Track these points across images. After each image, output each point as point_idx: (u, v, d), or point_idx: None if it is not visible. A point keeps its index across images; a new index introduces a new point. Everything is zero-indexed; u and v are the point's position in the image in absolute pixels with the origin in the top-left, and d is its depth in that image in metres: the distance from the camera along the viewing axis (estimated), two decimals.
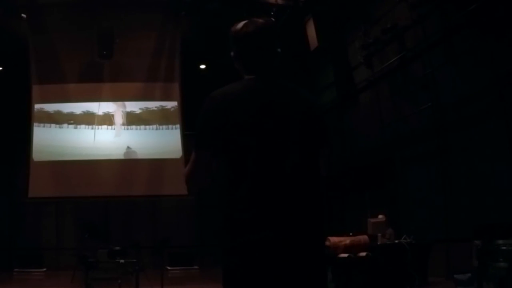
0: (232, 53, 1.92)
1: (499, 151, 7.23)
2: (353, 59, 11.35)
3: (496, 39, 7.16)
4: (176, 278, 11.47)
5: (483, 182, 7.47)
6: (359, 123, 11.51)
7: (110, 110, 12.60)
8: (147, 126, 12.65)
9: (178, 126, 12.56)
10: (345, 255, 6.67)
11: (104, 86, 12.57)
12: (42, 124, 12.21)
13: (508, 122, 7.05)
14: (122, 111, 12.67)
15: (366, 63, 10.74)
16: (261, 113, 1.76)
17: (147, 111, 12.75)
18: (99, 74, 12.29)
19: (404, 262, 6.54)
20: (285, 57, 1.98)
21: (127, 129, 12.58)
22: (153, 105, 12.81)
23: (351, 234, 7.25)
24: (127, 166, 12.22)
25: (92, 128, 12.42)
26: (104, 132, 12.51)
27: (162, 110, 12.80)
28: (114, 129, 12.53)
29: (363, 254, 6.66)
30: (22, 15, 11.15)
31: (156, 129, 12.70)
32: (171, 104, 12.78)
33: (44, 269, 12.34)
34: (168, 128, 12.70)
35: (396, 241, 7.00)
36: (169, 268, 12.02)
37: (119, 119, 12.60)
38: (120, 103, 12.72)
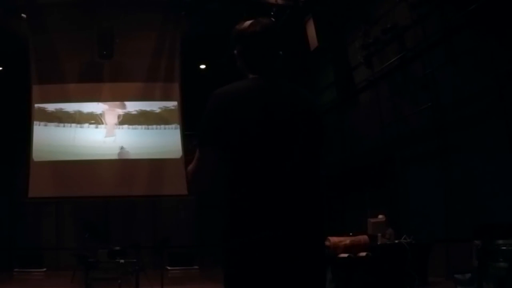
0: (235, 51, 1.92)
1: (499, 151, 7.23)
2: (353, 59, 11.35)
3: (496, 39, 7.17)
4: (176, 278, 11.47)
5: (483, 182, 7.46)
6: (359, 123, 11.51)
7: (109, 110, 12.59)
8: (147, 126, 12.65)
9: (178, 126, 12.56)
10: (345, 255, 6.66)
11: (104, 86, 12.57)
12: (42, 123, 12.20)
13: (508, 122, 7.05)
14: (122, 111, 12.66)
15: (366, 63, 10.74)
16: (265, 112, 1.76)
17: (147, 111, 12.75)
18: (99, 74, 12.29)
19: (404, 262, 6.53)
20: (285, 57, 1.99)
21: (128, 128, 12.57)
22: (153, 105, 12.80)
23: (351, 234, 7.25)
24: (127, 166, 12.21)
25: (95, 127, 12.42)
26: (104, 131, 12.50)
27: (162, 110, 12.80)
28: (115, 128, 12.52)
29: (363, 254, 6.66)
30: (22, 15, 11.14)
31: (156, 128, 12.69)
32: (171, 104, 12.78)
33: (44, 269, 12.35)
34: (168, 128, 12.69)
35: (396, 241, 7.00)
36: (169, 268, 12.02)
37: (118, 119, 12.59)
38: (119, 103, 12.71)
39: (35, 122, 12.10)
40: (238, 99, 1.77)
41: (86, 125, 12.41)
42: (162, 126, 12.71)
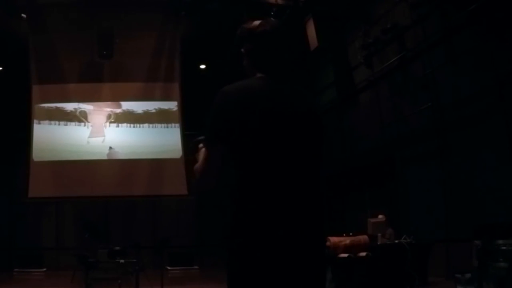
0: (242, 50, 1.93)
1: (499, 151, 7.23)
2: (353, 59, 11.36)
3: (496, 39, 7.17)
4: (176, 278, 11.47)
5: (483, 182, 7.46)
6: (359, 123, 11.51)
7: (108, 109, 12.58)
8: (147, 125, 12.63)
9: (178, 125, 12.55)
10: (345, 255, 6.66)
11: (104, 86, 12.56)
12: (42, 123, 12.20)
13: (508, 122, 7.05)
14: (121, 110, 12.65)
15: (366, 63, 10.74)
16: (271, 112, 1.77)
17: (147, 110, 12.74)
18: (99, 74, 12.28)
19: (404, 262, 6.53)
20: (292, 58, 2.00)
21: (127, 127, 12.55)
22: (153, 105, 12.80)
23: (351, 234, 7.25)
24: (127, 166, 12.21)
25: (94, 126, 12.43)
26: (104, 131, 12.50)
27: (162, 110, 12.79)
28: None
29: (363, 254, 6.66)
30: (22, 15, 11.15)
31: (155, 127, 12.67)
32: (171, 104, 12.78)
33: (44, 269, 12.34)
34: (168, 127, 12.68)
35: (396, 241, 7.00)
36: (169, 268, 12.02)
37: (113, 118, 12.58)
38: (118, 102, 12.70)
39: (35, 122, 12.09)
40: (246, 97, 1.77)
41: (86, 123, 12.40)
42: (163, 124, 12.70)
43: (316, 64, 12.65)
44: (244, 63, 1.95)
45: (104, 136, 12.41)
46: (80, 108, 12.47)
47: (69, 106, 12.45)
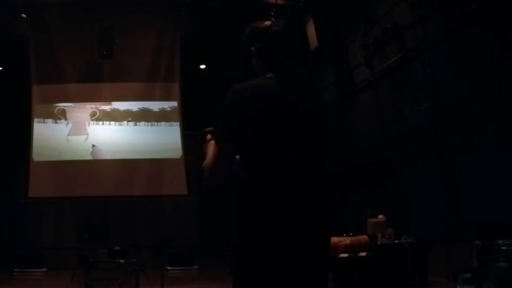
0: (253, 48, 1.95)
1: (499, 151, 7.23)
2: (353, 59, 11.36)
3: (496, 39, 7.16)
4: (176, 278, 11.47)
5: (483, 182, 7.47)
6: (359, 123, 11.51)
7: (107, 108, 12.57)
8: (147, 123, 12.62)
9: (177, 124, 12.54)
10: (345, 255, 6.66)
11: (104, 86, 12.55)
12: (42, 122, 12.18)
13: (508, 122, 7.05)
14: (121, 110, 12.63)
15: (366, 63, 10.74)
16: (284, 112, 1.79)
17: (147, 110, 12.73)
18: (99, 74, 12.27)
19: (404, 262, 6.53)
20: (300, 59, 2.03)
21: (127, 125, 12.53)
22: (152, 105, 12.79)
23: (351, 234, 7.25)
24: (127, 166, 12.20)
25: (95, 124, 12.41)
26: (103, 130, 12.49)
27: (162, 110, 12.79)
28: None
29: (363, 254, 6.66)
30: (22, 15, 11.15)
31: (155, 125, 12.64)
32: (171, 104, 12.78)
33: (44, 269, 12.33)
34: (167, 125, 12.67)
35: (396, 241, 7.00)
36: (169, 268, 12.01)
37: (118, 117, 12.58)
38: (117, 102, 12.69)
39: (35, 121, 12.08)
40: (258, 96, 1.79)
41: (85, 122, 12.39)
42: (162, 123, 12.69)
43: (316, 64, 12.65)
44: (253, 62, 1.96)
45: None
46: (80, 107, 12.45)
47: (70, 106, 12.45)
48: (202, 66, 14.33)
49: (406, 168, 9.77)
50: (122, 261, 8.63)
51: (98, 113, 12.43)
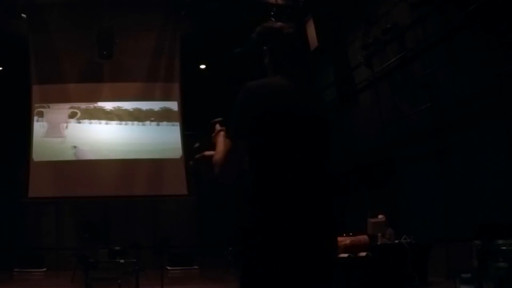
0: (265, 48, 1.96)
1: (499, 151, 7.23)
2: (353, 59, 11.36)
3: (496, 39, 7.16)
4: (176, 278, 11.47)
5: (483, 182, 7.47)
6: (359, 123, 11.51)
7: (107, 108, 12.57)
8: (146, 122, 12.61)
9: (177, 124, 12.54)
10: (345, 255, 6.66)
11: (104, 86, 12.56)
12: (43, 121, 12.18)
13: (508, 122, 7.05)
14: (121, 109, 12.63)
15: (366, 63, 10.74)
16: (295, 112, 1.82)
17: (147, 109, 12.73)
18: (99, 74, 12.29)
19: (404, 262, 6.53)
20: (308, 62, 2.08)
21: (126, 124, 12.52)
22: (152, 105, 12.79)
23: (351, 234, 7.25)
24: (127, 166, 12.21)
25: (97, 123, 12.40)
26: (103, 130, 12.49)
27: (162, 110, 12.79)
28: (117, 125, 12.48)
29: (363, 254, 6.66)
30: (22, 15, 11.15)
31: (154, 125, 12.63)
32: (171, 104, 12.78)
33: (44, 269, 12.34)
34: (167, 125, 12.67)
35: (396, 241, 7.00)
36: (169, 268, 12.02)
37: (117, 116, 12.58)
38: (116, 102, 12.69)
39: (35, 120, 12.08)
40: (271, 95, 1.80)
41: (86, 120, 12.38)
42: (162, 122, 12.69)
43: (316, 64, 12.65)
44: (265, 61, 1.97)
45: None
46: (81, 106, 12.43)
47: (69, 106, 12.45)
48: (202, 66, 14.33)
49: (406, 168, 9.77)
50: (122, 261, 8.63)
51: (78, 114, 12.34)
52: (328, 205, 1.81)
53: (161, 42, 12.42)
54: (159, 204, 14.04)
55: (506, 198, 6.89)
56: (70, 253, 11.07)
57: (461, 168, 8.08)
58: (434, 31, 8.62)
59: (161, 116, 12.74)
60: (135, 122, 12.62)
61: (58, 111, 12.29)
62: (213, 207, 14.53)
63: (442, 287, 7.28)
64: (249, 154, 1.78)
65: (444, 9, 8.31)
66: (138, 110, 12.70)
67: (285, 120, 1.78)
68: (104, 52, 10.98)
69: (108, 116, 12.49)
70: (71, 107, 12.36)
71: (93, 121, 12.40)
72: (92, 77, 12.28)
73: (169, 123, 12.68)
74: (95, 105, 12.54)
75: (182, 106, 12.57)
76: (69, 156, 12.13)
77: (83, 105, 12.46)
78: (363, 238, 6.96)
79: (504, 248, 5.20)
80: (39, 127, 12.17)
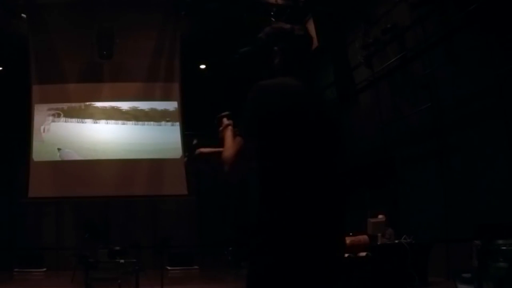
0: (277, 48, 1.97)
1: (499, 151, 7.23)
2: (353, 59, 11.35)
3: (496, 39, 7.16)
4: (176, 278, 11.47)
5: (483, 182, 7.46)
6: (359, 123, 11.50)
7: (107, 107, 12.56)
8: (147, 122, 12.61)
9: (177, 123, 12.54)
10: (345, 255, 6.66)
11: (104, 86, 12.56)
12: (43, 121, 12.17)
13: (508, 122, 7.05)
14: (120, 109, 12.62)
15: (366, 63, 10.74)
16: (306, 111, 1.83)
17: (147, 109, 12.73)
18: (99, 74, 12.28)
19: (404, 262, 6.53)
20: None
21: (126, 124, 12.52)
22: (152, 105, 12.79)
23: (351, 234, 7.24)
24: (127, 166, 12.20)
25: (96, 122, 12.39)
26: (103, 129, 12.48)
27: (162, 110, 12.79)
28: (115, 124, 12.46)
29: (363, 254, 6.65)
30: (22, 15, 11.15)
31: (150, 124, 12.62)
32: (171, 104, 12.78)
33: (44, 269, 12.35)
34: (168, 125, 12.66)
35: (396, 241, 7.00)
36: (169, 268, 12.02)
37: (117, 116, 12.57)
38: (116, 102, 12.68)
39: (35, 120, 12.07)
40: (284, 94, 1.81)
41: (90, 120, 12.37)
42: (162, 122, 12.68)
43: (316, 64, 12.64)
44: (275, 61, 1.98)
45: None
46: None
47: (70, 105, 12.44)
48: (202, 66, 14.32)
49: (406, 168, 9.76)
50: (122, 261, 8.63)
51: (61, 114, 12.29)
52: (338, 205, 1.82)
53: (161, 42, 12.41)
54: (159, 204, 14.03)
55: (506, 198, 6.89)
56: (70, 253, 11.08)
57: (461, 168, 8.08)
58: (434, 31, 8.62)
59: (161, 116, 12.73)
60: (135, 122, 12.61)
61: (40, 113, 12.19)
62: (213, 207, 14.53)
63: (442, 287, 7.28)
64: (259, 152, 1.77)
65: (444, 9, 8.31)
66: (137, 110, 12.69)
67: (297, 120, 1.79)
68: (104, 52, 10.98)
69: (108, 115, 12.48)
70: (51, 108, 12.25)
71: (86, 120, 12.37)
72: (92, 77, 12.28)
73: (169, 123, 12.67)
74: (91, 104, 12.51)
75: (182, 106, 12.57)
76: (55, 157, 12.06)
77: (76, 105, 12.39)
78: (363, 238, 6.95)
79: (504, 248, 5.19)
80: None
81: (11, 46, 11.94)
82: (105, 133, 12.41)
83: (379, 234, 7.24)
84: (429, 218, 8.69)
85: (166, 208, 14.15)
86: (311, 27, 10.76)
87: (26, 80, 11.99)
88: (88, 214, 12.40)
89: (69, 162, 12.06)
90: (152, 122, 12.66)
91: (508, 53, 6.96)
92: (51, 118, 12.18)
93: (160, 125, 12.69)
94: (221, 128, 2.02)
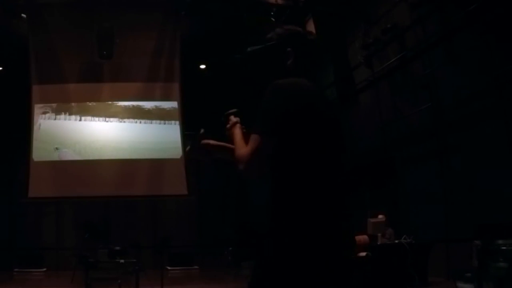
0: (289, 49, 1.99)
1: (499, 151, 7.23)
2: (353, 59, 11.35)
3: (496, 39, 7.16)
4: (176, 278, 11.47)
5: (483, 182, 7.46)
6: (359, 123, 11.50)
7: (106, 105, 12.57)
8: (147, 120, 12.60)
9: (177, 123, 12.53)
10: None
11: (104, 86, 12.55)
12: (43, 121, 12.16)
13: (508, 122, 7.05)
14: (120, 106, 12.62)
15: (366, 63, 10.74)
16: (322, 111, 1.87)
17: (147, 109, 12.73)
18: (99, 74, 12.27)
19: (404, 262, 6.53)
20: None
21: (124, 121, 12.50)
22: (152, 105, 12.79)
23: (353, 233, 7.24)
24: (127, 166, 12.20)
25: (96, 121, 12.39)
26: (102, 127, 12.48)
27: (162, 109, 12.78)
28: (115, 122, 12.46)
29: (363, 254, 6.66)
30: (22, 15, 11.15)
31: (150, 124, 12.61)
32: (171, 104, 12.78)
33: (44, 269, 12.34)
34: (168, 125, 12.66)
35: (396, 241, 7.00)
36: (169, 268, 12.02)
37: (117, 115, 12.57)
38: (116, 102, 12.68)
39: (35, 121, 12.08)
40: (300, 94, 1.84)
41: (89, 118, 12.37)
42: (162, 120, 12.68)
43: (315, 64, 12.63)
44: (288, 62, 1.99)
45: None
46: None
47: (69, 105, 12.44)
48: (202, 66, 14.33)
49: (406, 168, 9.76)
50: (122, 261, 8.64)
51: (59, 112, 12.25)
52: (348, 204, 1.87)
53: (161, 42, 12.41)
54: (159, 204, 14.03)
55: (506, 198, 6.89)
56: (70, 253, 11.08)
57: (461, 168, 8.08)
58: (434, 31, 8.62)
59: (161, 116, 12.73)
60: (134, 122, 12.61)
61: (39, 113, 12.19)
62: (213, 207, 14.54)
63: (442, 287, 7.28)
64: (276, 151, 1.77)
65: (444, 9, 8.31)
66: (137, 110, 12.69)
67: (313, 119, 1.81)
68: (104, 52, 10.98)
69: (107, 113, 12.46)
70: (47, 106, 12.23)
71: (84, 117, 12.36)
72: (92, 77, 12.27)
73: (169, 123, 12.66)
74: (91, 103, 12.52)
75: (182, 106, 12.57)
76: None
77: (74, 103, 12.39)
78: (363, 238, 6.96)
79: (504, 248, 5.20)
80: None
81: (11, 46, 11.94)
82: (104, 132, 12.40)
83: (379, 234, 7.24)
84: (429, 218, 8.69)
85: (166, 208, 14.15)
86: (311, 27, 10.77)
87: (26, 80, 11.98)
88: (88, 214, 12.39)
89: (69, 162, 12.06)
90: (152, 122, 12.65)
91: (508, 53, 6.96)
92: (46, 115, 12.19)
93: (160, 125, 12.68)
94: (228, 126, 2.01)
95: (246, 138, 1.87)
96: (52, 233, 13.71)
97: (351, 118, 11.88)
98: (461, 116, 8.15)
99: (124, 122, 12.50)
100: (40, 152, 11.92)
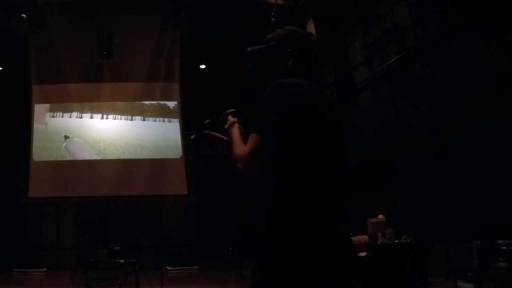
0: (289, 50, 1.99)
1: (499, 151, 7.23)
2: (353, 59, 11.35)
3: (496, 39, 7.16)
4: (176, 278, 11.47)
5: (483, 182, 7.46)
6: (359, 123, 11.50)
7: (106, 106, 12.56)
8: (146, 118, 12.60)
9: (177, 123, 12.53)
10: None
11: (104, 86, 12.55)
12: (43, 121, 12.17)
13: (508, 122, 7.05)
14: (121, 107, 12.62)
15: (366, 63, 10.74)
16: (323, 111, 1.87)
17: (147, 109, 12.73)
18: (99, 74, 12.28)
19: (404, 262, 6.53)
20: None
21: (124, 120, 12.50)
22: (152, 105, 12.79)
23: (351, 234, 7.24)
24: (127, 166, 12.20)
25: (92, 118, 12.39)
26: (102, 126, 12.47)
27: (162, 110, 12.78)
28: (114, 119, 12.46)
29: (363, 254, 6.66)
30: (22, 15, 11.15)
31: (150, 124, 12.61)
32: (171, 104, 12.78)
33: (44, 269, 12.33)
34: (167, 125, 12.65)
35: (396, 241, 7.00)
36: (169, 268, 12.02)
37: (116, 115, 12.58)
38: (116, 102, 12.68)
39: (35, 121, 12.08)
40: (301, 94, 1.83)
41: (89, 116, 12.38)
42: (162, 119, 12.67)
43: (316, 64, 12.63)
44: (289, 63, 1.99)
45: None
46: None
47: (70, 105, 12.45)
48: (202, 66, 14.33)
49: (406, 168, 9.77)
50: (122, 261, 8.64)
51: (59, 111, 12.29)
52: (346, 205, 1.86)
53: (161, 42, 12.41)
54: (159, 204, 14.03)
55: (506, 198, 6.89)
56: (70, 253, 11.07)
57: (461, 168, 8.08)
58: (434, 31, 8.62)
59: (161, 116, 12.73)
60: (134, 121, 12.60)
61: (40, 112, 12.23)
62: (213, 207, 14.53)
63: (442, 287, 7.28)
64: (276, 151, 1.77)
65: (444, 9, 8.31)
66: (137, 110, 12.69)
67: (314, 119, 1.81)
68: (104, 52, 10.98)
69: (107, 111, 12.47)
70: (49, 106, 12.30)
71: (84, 115, 12.38)
72: (92, 77, 12.28)
73: (169, 123, 12.67)
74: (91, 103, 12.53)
75: (182, 106, 12.57)
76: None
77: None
78: (363, 238, 6.95)
79: (504, 248, 5.20)
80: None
81: (11, 46, 11.94)
82: (104, 132, 12.40)
83: (379, 234, 7.24)
84: (429, 218, 8.69)
85: (166, 208, 14.14)
86: (311, 27, 10.77)
87: (26, 80, 11.98)
88: (88, 214, 12.39)
89: (69, 162, 12.07)
90: (152, 122, 12.65)
91: (508, 53, 6.96)
92: (48, 114, 12.22)
93: (160, 125, 12.67)
94: (227, 126, 2.01)
95: (244, 138, 1.87)
96: (52, 233, 13.71)
97: (351, 118, 11.88)
98: (461, 116, 8.15)
99: (124, 122, 12.50)
100: (41, 151, 11.92)
